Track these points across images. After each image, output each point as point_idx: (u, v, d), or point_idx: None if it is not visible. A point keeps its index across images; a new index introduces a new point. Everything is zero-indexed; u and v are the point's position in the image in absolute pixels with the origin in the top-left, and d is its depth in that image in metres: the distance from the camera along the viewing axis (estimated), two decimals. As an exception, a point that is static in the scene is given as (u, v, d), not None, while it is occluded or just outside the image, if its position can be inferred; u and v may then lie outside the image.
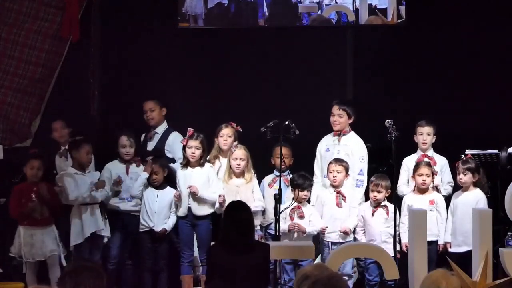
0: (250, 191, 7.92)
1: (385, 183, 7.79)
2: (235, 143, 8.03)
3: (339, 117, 8.19)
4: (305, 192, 7.79)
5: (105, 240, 7.93)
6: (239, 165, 7.94)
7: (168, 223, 7.97)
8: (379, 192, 7.79)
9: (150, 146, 8.60)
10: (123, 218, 8.07)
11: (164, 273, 8.01)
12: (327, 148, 8.23)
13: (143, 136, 8.64)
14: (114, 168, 8.12)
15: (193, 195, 7.83)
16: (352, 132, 8.24)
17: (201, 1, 9.23)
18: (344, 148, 8.17)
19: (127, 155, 8.13)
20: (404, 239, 7.65)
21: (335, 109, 8.22)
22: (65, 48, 9.23)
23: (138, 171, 8.12)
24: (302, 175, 7.85)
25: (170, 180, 8.09)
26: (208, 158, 8.09)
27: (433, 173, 7.84)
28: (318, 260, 7.74)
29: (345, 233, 7.81)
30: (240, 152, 7.95)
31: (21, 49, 9.07)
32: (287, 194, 7.94)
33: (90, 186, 7.78)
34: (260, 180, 8.20)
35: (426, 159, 7.97)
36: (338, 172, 7.89)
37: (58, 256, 7.79)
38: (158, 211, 7.95)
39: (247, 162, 7.97)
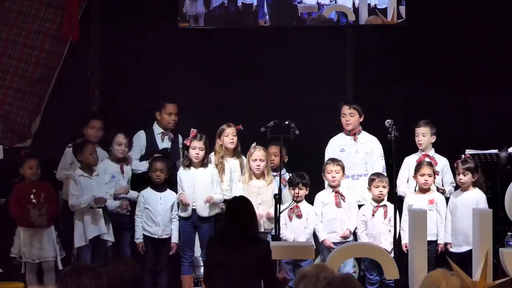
0: (271, 192, 7.84)
1: (386, 178, 7.84)
2: (254, 144, 7.99)
3: (350, 116, 8.19)
4: (304, 191, 7.79)
5: (109, 244, 7.87)
6: (259, 166, 7.91)
7: (174, 234, 7.94)
8: (384, 187, 7.81)
9: (165, 145, 8.46)
10: (120, 218, 8.01)
11: (164, 273, 8.00)
12: (342, 148, 8.20)
13: (159, 135, 8.43)
14: (108, 167, 8.04)
15: (212, 204, 7.86)
16: (364, 131, 8.25)
17: (201, 1, 9.23)
18: (362, 147, 8.18)
19: (122, 153, 8.09)
20: (405, 239, 7.65)
21: (346, 109, 8.21)
22: (65, 48, 9.22)
23: (129, 171, 8.10)
24: (299, 174, 7.85)
25: (170, 183, 8.07)
26: (215, 160, 8.05)
27: (435, 173, 7.84)
28: (318, 260, 7.75)
29: (345, 237, 7.81)
30: (259, 153, 7.93)
31: (21, 49, 9.06)
32: (284, 194, 7.93)
33: (91, 198, 7.71)
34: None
35: (427, 159, 7.96)
36: (336, 172, 7.89)
37: (54, 261, 7.78)
38: (163, 213, 7.91)
39: (267, 162, 7.96)
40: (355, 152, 8.17)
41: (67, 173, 7.94)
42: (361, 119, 8.25)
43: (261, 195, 7.86)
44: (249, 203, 6.12)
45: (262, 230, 7.83)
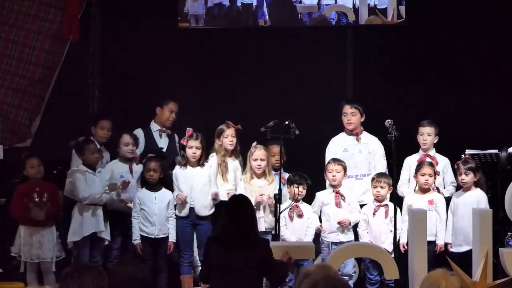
0: (273, 192, 7.81)
1: (387, 179, 7.81)
2: (255, 143, 7.99)
3: (352, 115, 8.19)
4: (301, 189, 7.76)
5: (106, 243, 7.85)
6: (259, 165, 7.91)
7: (172, 233, 7.92)
8: (382, 187, 7.80)
9: (163, 143, 8.50)
10: (125, 218, 8.00)
11: (164, 272, 8.00)
12: (345, 148, 8.18)
13: (157, 132, 8.49)
14: (117, 168, 8.06)
15: (213, 200, 7.88)
16: (365, 131, 8.25)
17: (201, 1, 9.24)
18: (365, 147, 8.18)
19: (130, 153, 8.07)
20: (403, 239, 7.66)
21: (347, 109, 8.21)
22: (65, 48, 9.23)
23: (138, 170, 8.09)
24: (298, 174, 7.85)
25: (164, 182, 8.05)
26: (217, 160, 8.04)
27: (435, 173, 7.84)
28: (318, 260, 7.74)
29: (343, 224, 7.77)
30: (260, 153, 7.93)
31: (21, 49, 9.07)
32: (283, 193, 7.91)
33: (103, 188, 7.74)
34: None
35: (428, 159, 7.96)
36: (337, 172, 7.89)
37: (52, 262, 7.78)
38: (158, 213, 7.88)
39: (267, 162, 7.97)
40: (359, 152, 8.17)
41: (73, 169, 7.89)
42: (362, 119, 8.24)
43: (263, 194, 7.84)
44: (249, 202, 6.11)
45: (263, 229, 7.83)
